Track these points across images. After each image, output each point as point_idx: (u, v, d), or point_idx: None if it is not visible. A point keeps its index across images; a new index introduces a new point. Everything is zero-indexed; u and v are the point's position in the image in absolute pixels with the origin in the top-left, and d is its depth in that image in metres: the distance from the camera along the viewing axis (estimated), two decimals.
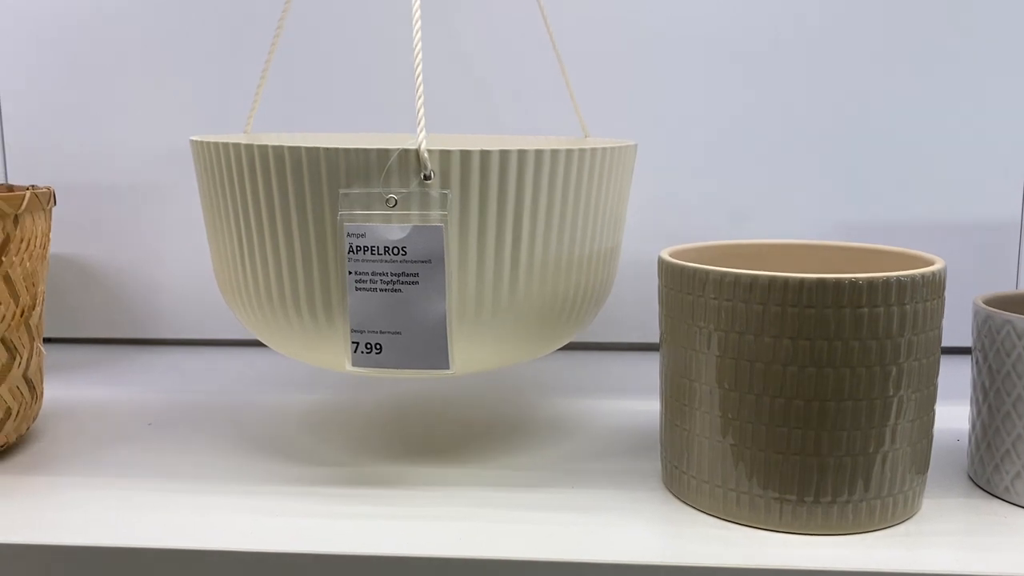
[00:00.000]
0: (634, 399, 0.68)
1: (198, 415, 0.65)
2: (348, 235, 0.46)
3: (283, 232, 0.49)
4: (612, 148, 0.53)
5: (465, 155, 0.46)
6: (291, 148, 0.47)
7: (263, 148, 0.48)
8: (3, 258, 0.53)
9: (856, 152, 0.78)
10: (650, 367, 0.75)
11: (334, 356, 0.51)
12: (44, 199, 0.56)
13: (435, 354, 0.46)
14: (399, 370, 0.47)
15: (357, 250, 0.46)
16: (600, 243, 0.54)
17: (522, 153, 0.48)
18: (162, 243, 0.81)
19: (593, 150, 0.51)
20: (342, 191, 0.46)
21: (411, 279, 0.46)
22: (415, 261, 0.46)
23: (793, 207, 0.79)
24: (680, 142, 0.78)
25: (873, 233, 0.78)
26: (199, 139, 0.53)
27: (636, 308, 0.79)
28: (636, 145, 0.57)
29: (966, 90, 0.77)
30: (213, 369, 0.77)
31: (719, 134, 0.78)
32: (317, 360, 0.54)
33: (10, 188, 0.63)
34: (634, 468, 0.55)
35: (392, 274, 0.46)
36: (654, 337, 0.75)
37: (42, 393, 0.60)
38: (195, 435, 0.61)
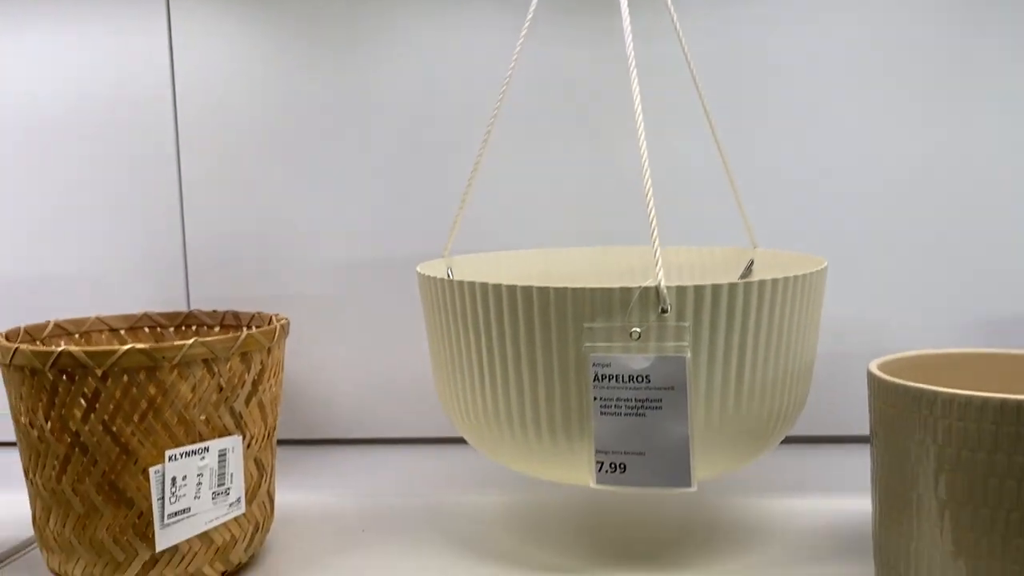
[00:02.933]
0: (837, 497, 0.70)
1: (404, 518, 0.69)
2: (593, 364, 0.51)
3: (527, 361, 0.54)
4: (820, 270, 0.57)
5: (699, 290, 0.51)
6: (540, 289, 0.52)
7: (511, 288, 0.53)
8: (259, 386, 0.59)
9: None
10: (847, 462, 0.78)
11: (569, 472, 0.55)
12: (286, 329, 0.62)
13: (678, 473, 0.50)
14: (642, 488, 0.51)
15: (602, 378, 0.51)
16: (808, 356, 0.58)
17: (748, 285, 0.52)
18: (337, 348, 0.87)
19: (807, 275, 0.55)
20: (587, 325, 0.51)
21: (655, 404, 0.50)
22: (659, 388, 0.50)
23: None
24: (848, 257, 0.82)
25: None
26: (435, 275, 0.59)
27: (831, 400, 0.82)
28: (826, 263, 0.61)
29: None
30: (405, 468, 0.81)
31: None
32: (552, 476, 0.58)
33: (236, 316, 0.69)
34: (846, 573, 0.57)
35: (636, 400, 0.50)
36: (846, 429, 0.79)
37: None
38: (404, 538, 0.65)
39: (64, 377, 0.53)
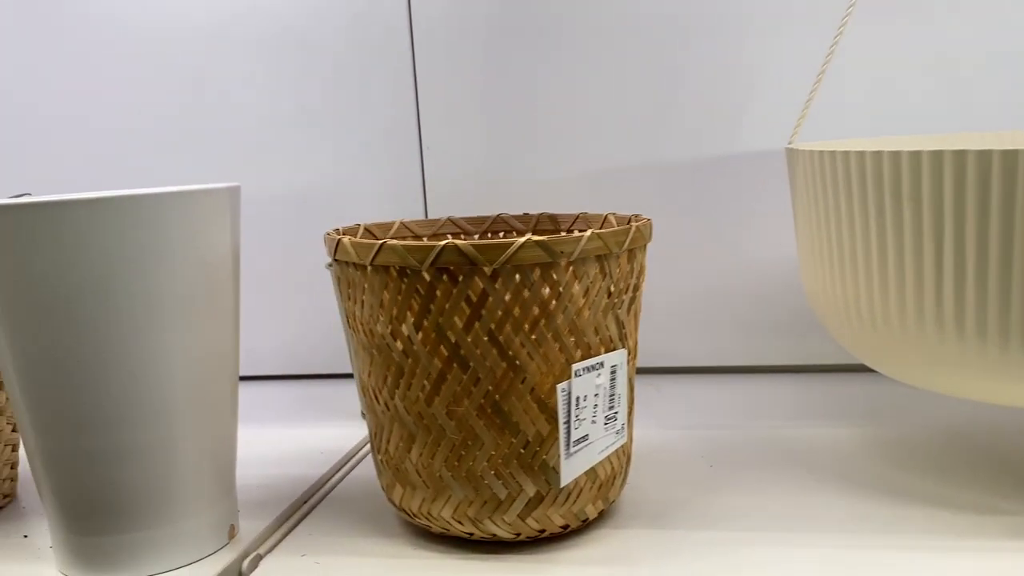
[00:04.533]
0: None
1: (752, 451, 0.60)
2: None
3: (953, 245, 0.43)
4: None
5: None
6: (1004, 153, 0.41)
7: (959, 154, 0.42)
8: (638, 291, 0.49)
9: None
10: None
11: (1000, 385, 0.45)
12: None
13: None
14: None
15: None
16: None
17: None
18: None
19: None
20: None
21: None
22: None
23: None
24: None
25: None
26: (839, 150, 0.48)
27: None
28: None
29: None
30: (739, 398, 0.72)
31: None
32: (970, 390, 0.47)
33: (553, 219, 0.59)
34: None
35: None
36: None
37: None
38: (762, 474, 0.56)
39: (445, 277, 0.43)
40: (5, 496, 0.58)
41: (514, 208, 0.78)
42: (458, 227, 0.60)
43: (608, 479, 0.48)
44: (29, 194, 0.58)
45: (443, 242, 0.42)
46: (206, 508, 0.49)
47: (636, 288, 0.48)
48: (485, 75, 0.78)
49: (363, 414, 0.73)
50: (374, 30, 0.79)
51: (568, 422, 0.43)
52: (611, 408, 0.46)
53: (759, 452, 0.60)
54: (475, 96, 0.78)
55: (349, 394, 0.79)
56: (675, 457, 0.60)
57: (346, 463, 0.63)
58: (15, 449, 0.59)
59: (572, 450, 0.44)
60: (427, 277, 0.44)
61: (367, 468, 0.62)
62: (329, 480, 0.60)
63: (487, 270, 0.43)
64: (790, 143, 0.60)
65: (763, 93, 0.73)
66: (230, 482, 0.51)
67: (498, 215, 0.60)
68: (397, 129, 0.80)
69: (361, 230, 0.56)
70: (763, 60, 0.73)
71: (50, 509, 0.48)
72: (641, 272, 0.49)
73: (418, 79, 0.78)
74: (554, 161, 0.78)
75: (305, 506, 0.56)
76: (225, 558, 0.49)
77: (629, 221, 0.53)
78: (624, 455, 0.50)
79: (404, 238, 0.58)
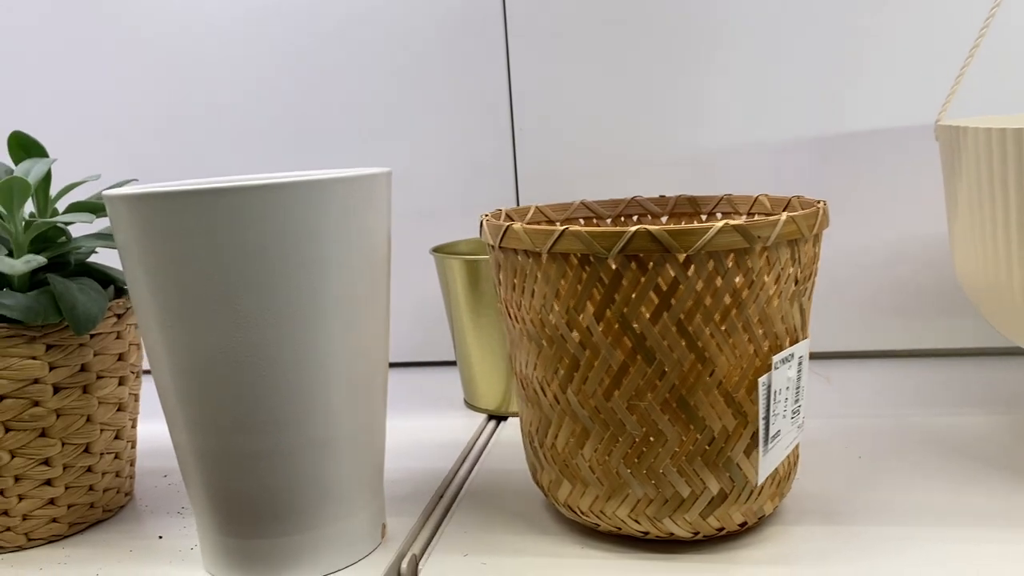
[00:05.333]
0: None
1: (901, 440, 0.57)
2: None
3: None
4: None
5: None
6: None
7: None
8: (815, 278, 0.46)
9: None
10: None
11: None
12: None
13: None
14: None
15: None
16: None
17: None
18: None
19: None
20: None
21: None
22: None
23: None
24: None
25: None
26: (1009, 127, 0.45)
27: None
28: None
29: None
30: (877, 383, 0.70)
31: None
32: None
33: (692, 201, 0.57)
34: None
35: None
36: None
37: None
38: (917, 464, 0.53)
39: (633, 265, 0.41)
40: (126, 495, 0.56)
41: (612, 192, 0.75)
42: (591, 210, 0.57)
43: (785, 474, 0.46)
44: (136, 180, 0.56)
45: (633, 228, 0.40)
46: (361, 508, 0.46)
47: (815, 274, 0.46)
48: (578, 55, 0.75)
49: (467, 403, 0.71)
50: (468, 10, 0.76)
51: (767, 417, 0.41)
52: (796, 401, 0.44)
53: (911, 441, 0.57)
54: (569, 77, 0.75)
55: (444, 382, 0.77)
56: (826, 448, 0.57)
57: (467, 454, 0.61)
58: (134, 446, 0.57)
59: (768, 446, 0.41)
60: (613, 265, 0.41)
61: (494, 460, 0.60)
62: (457, 472, 0.58)
63: (680, 257, 0.40)
64: (939, 119, 0.57)
65: (888, 69, 0.71)
66: (381, 480, 0.49)
67: (632, 198, 0.57)
68: (489, 111, 0.77)
69: (503, 215, 0.53)
70: (897, 33, 0.70)
71: (202, 510, 0.45)
72: (818, 258, 0.46)
73: (511, 58, 0.76)
74: (650, 143, 0.75)
75: (442, 501, 0.54)
76: (382, 560, 0.47)
77: (803, 205, 0.51)
78: (797, 449, 0.47)
79: (539, 223, 0.56)
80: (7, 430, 0.49)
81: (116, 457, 0.54)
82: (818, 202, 0.46)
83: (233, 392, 0.42)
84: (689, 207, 0.57)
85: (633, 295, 0.41)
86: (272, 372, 0.42)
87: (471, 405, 0.70)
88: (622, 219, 0.58)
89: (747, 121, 0.73)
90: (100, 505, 0.54)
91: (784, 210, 0.51)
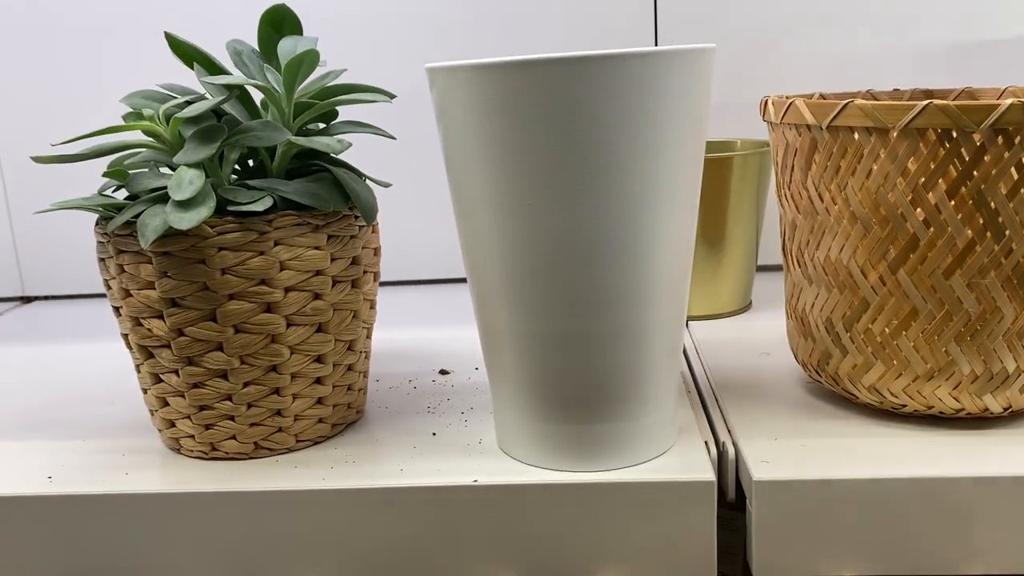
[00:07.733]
0: None
1: None
2: None
3: None
4: None
5: None
6: None
7: None
8: None
9: None
10: None
11: None
12: None
13: None
14: None
15: None
16: None
17: None
18: None
19: None
20: None
21: None
22: None
23: None
24: None
25: None
26: None
27: None
28: None
29: None
30: None
31: None
32: None
33: (927, 93, 0.57)
34: None
35: None
36: None
37: None
38: None
39: (1000, 140, 0.41)
40: (358, 412, 0.54)
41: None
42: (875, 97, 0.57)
43: None
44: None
45: (1008, 101, 0.40)
46: (671, 398, 0.46)
47: None
48: None
49: None
50: None
51: None
52: None
53: None
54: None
55: None
56: None
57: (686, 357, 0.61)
58: (368, 356, 0.54)
59: None
60: (977, 140, 0.41)
61: (713, 359, 0.59)
62: (693, 371, 0.58)
63: None
64: None
65: None
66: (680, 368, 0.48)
67: (867, 91, 0.57)
68: (632, 30, 0.75)
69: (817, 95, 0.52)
70: None
71: (519, 397, 0.44)
72: None
73: None
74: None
75: (700, 396, 0.54)
76: (695, 446, 0.46)
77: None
78: None
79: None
80: (288, 324, 0.46)
81: (366, 357, 0.52)
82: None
83: (566, 274, 0.41)
84: (922, 97, 0.57)
85: (994, 171, 0.41)
86: (606, 253, 0.41)
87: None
88: None
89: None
90: (355, 406, 0.52)
91: None
